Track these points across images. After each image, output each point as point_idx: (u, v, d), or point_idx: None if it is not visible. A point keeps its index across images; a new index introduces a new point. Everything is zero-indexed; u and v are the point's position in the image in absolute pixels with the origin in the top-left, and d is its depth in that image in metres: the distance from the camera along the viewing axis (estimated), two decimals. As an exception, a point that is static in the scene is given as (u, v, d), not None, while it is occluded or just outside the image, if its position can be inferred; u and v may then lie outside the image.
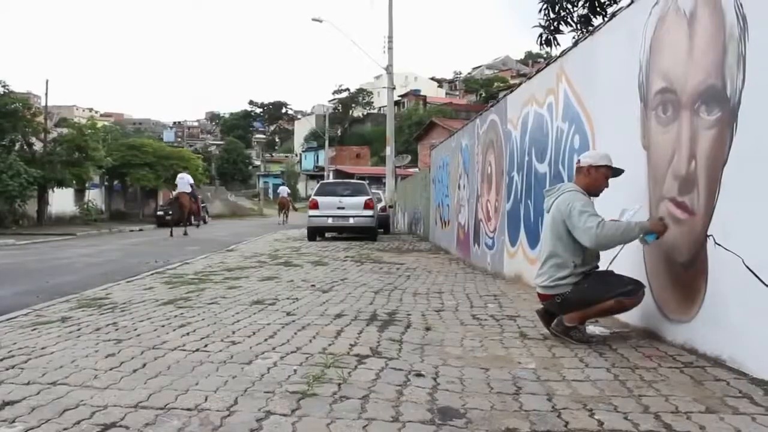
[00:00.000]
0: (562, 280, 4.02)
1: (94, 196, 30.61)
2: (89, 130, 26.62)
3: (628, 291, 3.92)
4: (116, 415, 2.58)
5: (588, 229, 3.82)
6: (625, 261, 4.52)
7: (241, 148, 69.37)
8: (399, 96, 59.56)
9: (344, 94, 76.61)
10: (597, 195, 4.20)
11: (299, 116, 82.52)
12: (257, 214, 43.48)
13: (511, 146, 7.82)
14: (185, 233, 19.23)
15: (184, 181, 19.82)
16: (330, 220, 15.55)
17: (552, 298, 4.10)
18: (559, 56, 6.33)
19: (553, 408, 2.70)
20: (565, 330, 4.00)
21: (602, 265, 4.76)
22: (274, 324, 4.62)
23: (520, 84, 8.07)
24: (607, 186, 4.17)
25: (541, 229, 4.76)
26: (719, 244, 3.42)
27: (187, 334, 4.26)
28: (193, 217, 20.98)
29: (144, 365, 3.40)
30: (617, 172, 4.17)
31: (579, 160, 4.27)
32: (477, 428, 2.47)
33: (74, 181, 25.49)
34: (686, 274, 3.77)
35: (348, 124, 72.71)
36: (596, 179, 4.12)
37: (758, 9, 3.21)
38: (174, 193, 21.10)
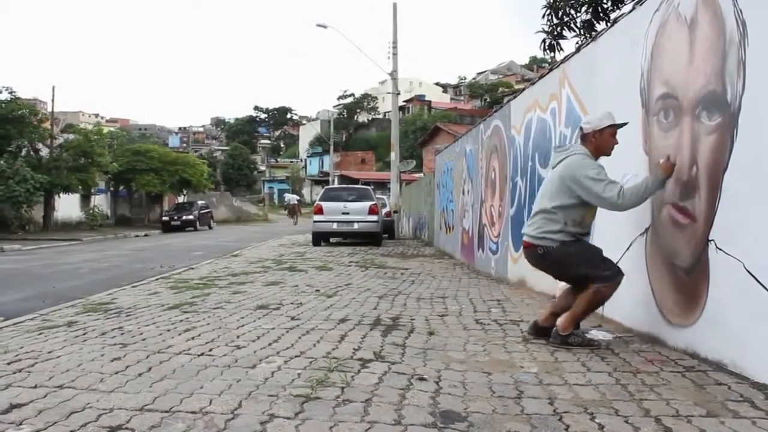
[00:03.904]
0: (551, 234, 4.02)
1: (100, 202, 30.80)
2: (95, 136, 26.83)
3: (605, 276, 3.92)
4: (122, 418, 2.61)
5: (609, 198, 3.83)
6: (627, 265, 4.53)
7: (246, 154, 69.47)
8: (404, 101, 59.59)
9: (349, 100, 76.90)
10: (608, 155, 4.14)
11: (304, 121, 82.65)
12: (262, 220, 43.53)
13: (515, 151, 7.84)
14: (295, 223, 35.33)
15: (294, 198, 42.19)
16: (335, 225, 15.57)
17: (535, 248, 4.10)
18: (562, 62, 6.35)
19: (554, 412, 2.72)
20: (563, 340, 3.99)
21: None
22: (278, 328, 4.64)
23: (523, 89, 8.10)
24: (616, 143, 4.12)
25: None
26: (720, 249, 3.44)
27: (192, 338, 4.29)
28: (298, 216, 37.90)
29: (149, 369, 3.43)
30: (623, 125, 4.14)
31: (581, 127, 4.20)
32: (478, 431, 2.49)
33: (80, 187, 25.64)
34: (688, 279, 3.78)
35: (353, 129, 72.86)
36: (603, 141, 4.08)
37: (758, 15, 3.23)
38: (290, 204, 41.15)
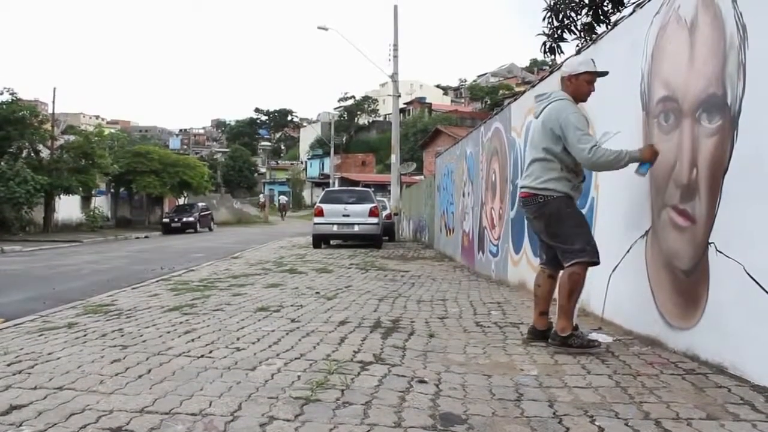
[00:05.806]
0: (551, 182, 4.03)
1: (101, 203, 30.81)
2: (96, 138, 26.89)
3: (584, 250, 3.94)
4: (122, 420, 2.61)
5: (581, 150, 3.87)
6: (627, 268, 4.54)
7: (246, 156, 69.41)
8: (404, 103, 59.68)
9: (350, 102, 76.89)
10: (584, 101, 4.21)
11: (305, 124, 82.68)
12: (262, 221, 43.55)
13: (515, 154, 7.84)
14: (283, 219, 45.01)
15: (284, 199, 52.06)
16: (335, 228, 15.57)
17: (535, 197, 4.09)
18: (562, 64, 6.35)
19: (554, 414, 2.71)
20: (562, 341, 3.98)
21: (605, 273, 4.79)
22: (278, 331, 4.64)
23: (524, 92, 8.10)
24: (593, 90, 4.18)
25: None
26: (721, 252, 3.44)
27: (192, 340, 4.29)
28: (286, 213, 47.54)
29: (149, 371, 3.43)
30: (601, 73, 4.19)
31: (562, 70, 4.27)
32: (478, 434, 2.48)
33: (81, 188, 25.67)
34: (688, 282, 3.78)
35: (353, 131, 72.84)
36: (578, 86, 4.14)
37: (757, 18, 3.23)
38: (280, 202, 50.85)
